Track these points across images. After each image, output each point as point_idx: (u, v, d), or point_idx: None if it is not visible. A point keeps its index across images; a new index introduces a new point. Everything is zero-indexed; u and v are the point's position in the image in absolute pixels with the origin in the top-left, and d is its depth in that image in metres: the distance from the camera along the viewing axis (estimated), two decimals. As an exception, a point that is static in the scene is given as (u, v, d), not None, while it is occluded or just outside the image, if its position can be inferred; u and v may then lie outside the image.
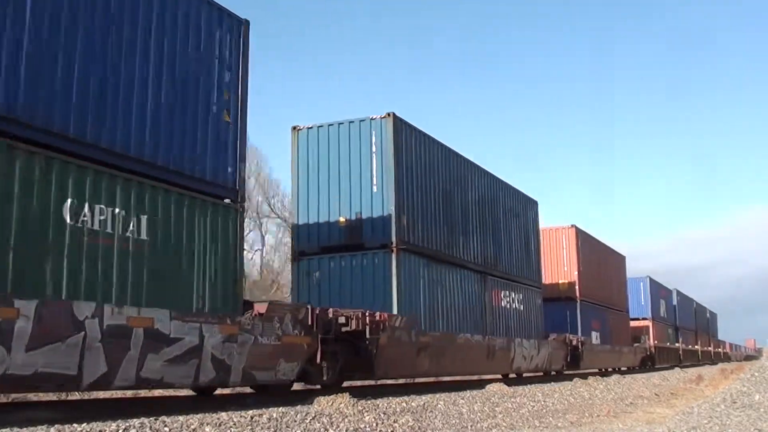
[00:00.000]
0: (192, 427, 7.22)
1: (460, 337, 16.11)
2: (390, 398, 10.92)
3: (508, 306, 19.52)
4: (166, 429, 7.01)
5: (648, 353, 36.37)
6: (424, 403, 10.75)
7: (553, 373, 23.52)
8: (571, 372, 24.58)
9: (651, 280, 41.13)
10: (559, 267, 26.47)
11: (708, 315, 66.26)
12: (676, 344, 45.77)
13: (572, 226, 26.80)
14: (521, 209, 21.48)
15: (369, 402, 10.00)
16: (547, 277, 26.29)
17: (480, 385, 15.75)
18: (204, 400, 10.37)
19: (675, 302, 48.62)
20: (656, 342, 38.96)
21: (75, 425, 6.56)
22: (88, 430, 6.51)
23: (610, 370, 31.14)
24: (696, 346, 53.25)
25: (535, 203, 22.74)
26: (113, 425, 6.70)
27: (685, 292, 60.99)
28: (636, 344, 34.84)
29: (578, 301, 25.99)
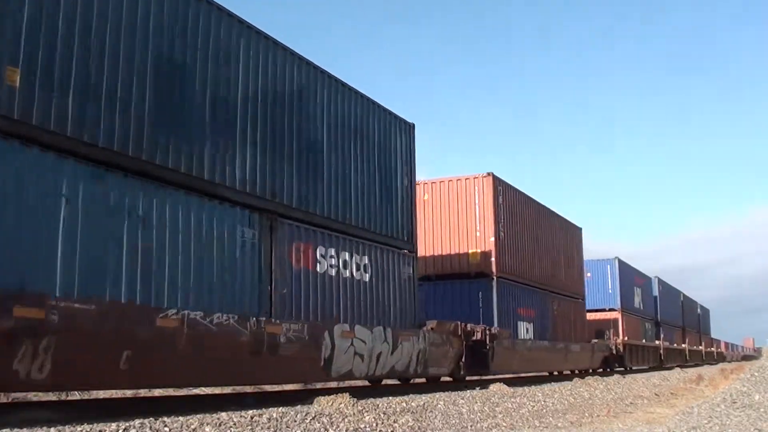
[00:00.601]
0: (192, 427, 7.13)
1: (169, 316, 8.53)
2: (390, 398, 10.86)
3: (334, 273, 11.98)
4: (166, 429, 6.93)
5: (614, 352, 29.06)
6: (424, 403, 10.69)
7: (446, 379, 16.14)
8: (474, 378, 17.17)
9: (621, 262, 33.58)
10: (469, 231, 18.98)
11: (699, 310, 58.78)
12: (656, 342, 38.33)
13: (489, 174, 19.23)
14: (376, 129, 13.93)
15: (369, 402, 9.89)
16: (452, 246, 18.99)
17: (481, 385, 15.23)
18: (204, 400, 10.05)
19: (656, 293, 41.54)
20: (626, 338, 31.36)
21: (75, 425, 6.47)
22: (88, 430, 6.42)
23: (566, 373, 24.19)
24: (683, 345, 46.23)
25: (409, 126, 15.18)
26: (113, 425, 6.61)
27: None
28: (594, 341, 27.19)
29: (494, 278, 18.41)
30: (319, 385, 14.44)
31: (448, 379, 16.47)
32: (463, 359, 15.26)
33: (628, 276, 35.12)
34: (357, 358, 11.81)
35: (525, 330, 19.85)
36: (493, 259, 18.52)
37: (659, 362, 37.45)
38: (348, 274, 12.31)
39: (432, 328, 14.16)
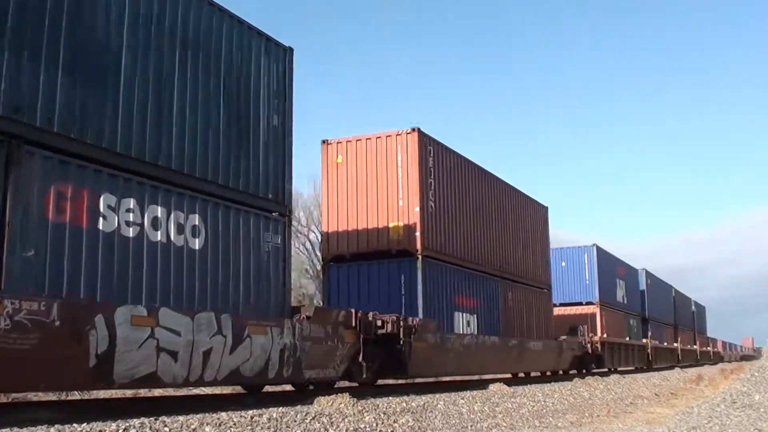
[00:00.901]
0: (192, 427, 7.19)
1: None
2: (390, 398, 10.83)
3: (134, 235, 8.43)
4: (166, 429, 6.99)
5: (590, 351, 25.51)
6: (424, 403, 10.71)
7: (345, 382, 12.73)
8: (389, 382, 14.06)
9: (600, 250, 30.18)
10: (390, 200, 15.57)
11: (694, 307, 55.62)
12: (643, 340, 34.95)
13: (414, 129, 15.75)
14: (225, 45, 10.28)
15: (369, 402, 9.94)
16: (371, 219, 15.75)
17: (481, 385, 15.50)
18: (204, 400, 10.17)
19: (643, 286, 38.26)
20: (605, 335, 27.91)
21: (75, 425, 6.49)
22: (88, 430, 6.46)
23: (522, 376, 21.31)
24: (675, 344, 42.91)
25: (283, 51, 11.61)
26: (113, 425, 6.66)
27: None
28: (563, 338, 23.67)
29: (419, 257, 14.92)
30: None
31: (353, 384, 13.05)
32: (362, 358, 11.73)
33: (609, 266, 31.90)
34: (165, 356, 8.31)
35: (465, 323, 16.42)
36: (418, 233, 15.04)
37: (647, 362, 34.45)
38: (161, 237, 8.85)
39: (307, 317, 10.66)
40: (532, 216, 22.48)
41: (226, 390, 12.55)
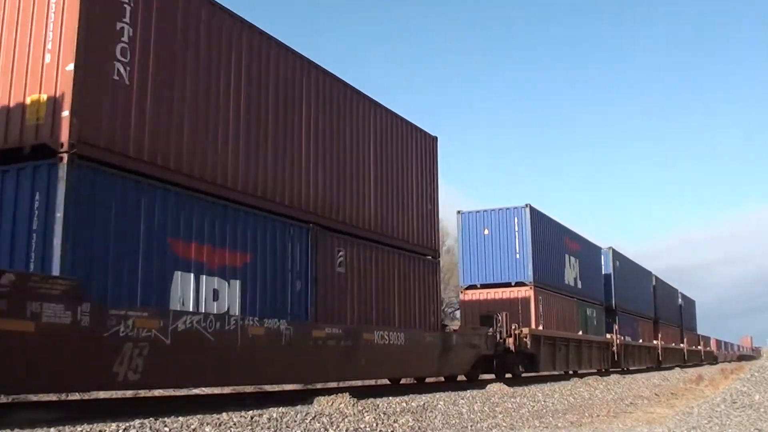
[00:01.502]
0: (192, 427, 7.39)
1: None
2: (390, 398, 11.40)
3: None
4: (166, 429, 7.18)
5: (512, 348, 19.42)
6: (424, 403, 11.16)
7: None
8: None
9: (535, 212, 23.60)
10: (34, 56, 8.84)
11: (681, 300, 49.36)
12: (608, 336, 29.49)
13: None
14: None
15: (369, 402, 10.28)
16: (3, 91, 9.06)
17: (481, 385, 15.92)
18: (204, 400, 10.69)
19: (610, 269, 32.16)
20: (540, 328, 22.20)
21: (75, 425, 6.71)
22: (88, 430, 6.65)
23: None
24: (655, 341, 37.85)
25: None
26: (113, 425, 6.85)
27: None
28: (452, 329, 17.72)
29: (62, 158, 8.30)
30: (319, 385, 14.52)
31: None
32: None
33: (552, 236, 24.95)
34: None
35: (207, 294, 10.06)
36: (66, 113, 8.50)
37: (613, 364, 29.02)
38: None
39: None
40: (404, 145, 15.83)
41: (226, 390, 12.90)
